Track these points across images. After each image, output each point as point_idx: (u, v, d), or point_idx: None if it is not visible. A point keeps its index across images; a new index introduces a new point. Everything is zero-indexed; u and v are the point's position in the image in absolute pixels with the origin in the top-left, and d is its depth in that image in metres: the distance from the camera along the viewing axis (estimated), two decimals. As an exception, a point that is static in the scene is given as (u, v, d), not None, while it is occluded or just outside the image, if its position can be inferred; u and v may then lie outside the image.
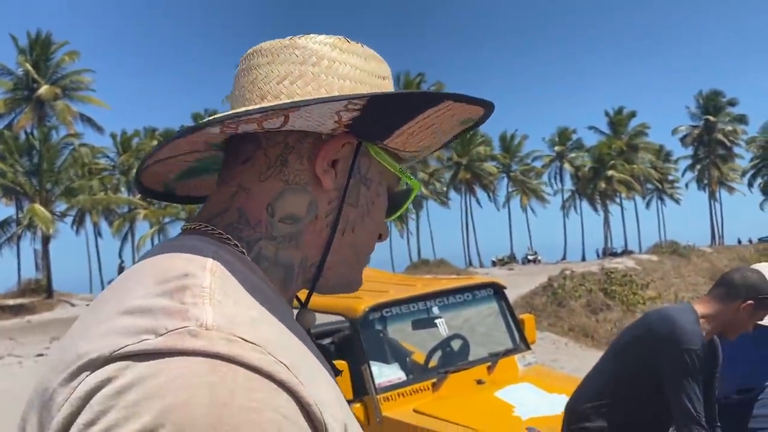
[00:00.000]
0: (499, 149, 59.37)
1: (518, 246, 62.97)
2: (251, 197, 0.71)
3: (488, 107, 0.76)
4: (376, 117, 0.70)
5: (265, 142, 0.71)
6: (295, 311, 0.76)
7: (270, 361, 0.52)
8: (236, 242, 0.68)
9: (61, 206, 30.71)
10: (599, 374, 2.75)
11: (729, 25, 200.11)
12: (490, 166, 57.26)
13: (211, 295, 0.56)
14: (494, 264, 49.69)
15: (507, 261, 51.20)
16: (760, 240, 52.49)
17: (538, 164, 62.79)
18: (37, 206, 27.34)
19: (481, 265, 50.22)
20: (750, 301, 2.46)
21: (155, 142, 44.57)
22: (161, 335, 0.52)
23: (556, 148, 61.42)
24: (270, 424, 0.50)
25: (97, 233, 47.33)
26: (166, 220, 39.80)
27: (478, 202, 59.66)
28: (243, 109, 0.63)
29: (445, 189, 55.60)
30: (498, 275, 23.16)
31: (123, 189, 43.77)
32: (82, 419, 0.50)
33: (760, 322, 2.68)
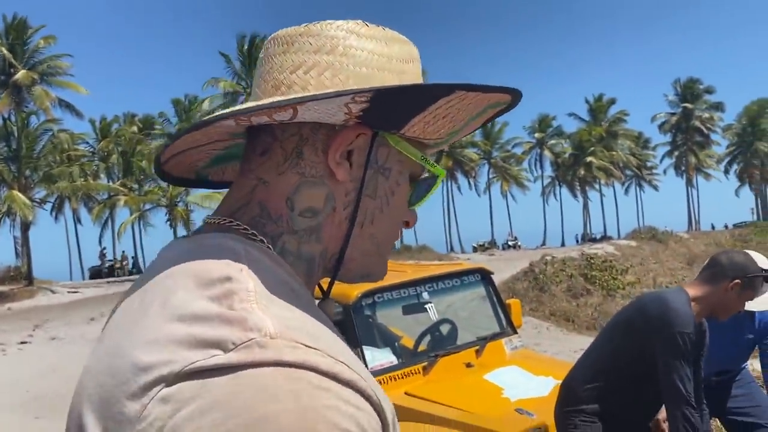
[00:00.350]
0: (480, 136, 59.47)
1: (498, 232, 63.30)
2: (271, 191, 0.71)
3: (508, 92, 0.74)
4: (386, 108, 0.68)
5: (281, 134, 0.71)
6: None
7: (332, 363, 0.54)
8: (262, 238, 0.69)
9: (40, 193, 30.33)
10: (594, 355, 2.83)
11: (707, 13, 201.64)
12: (471, 152, 57.42)
13: (257, 300, 0.57)
14: (475, 250, 49.92)
15: (488, 247, 51.46)
16: (735, 226, 53.35)
17: (518, 151, 63.05)
18: (16, 193, 26.94)
19: (463, 251, 50.44)
20: (737, 281, 2.55)
21: (135, 128, 43.96)
22: (230, 350, 0.52)
23: (537, 135, 61.70)
24: (350, 418, 0.52)
25: (77, 220, 46.89)
26: (147, 206, 39.24)
27: (459, 189, 59.95)
28: (245, 105, 0.64)
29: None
30: (479, 261, 23.33)
31: (102, 175, 43.24)
32: None
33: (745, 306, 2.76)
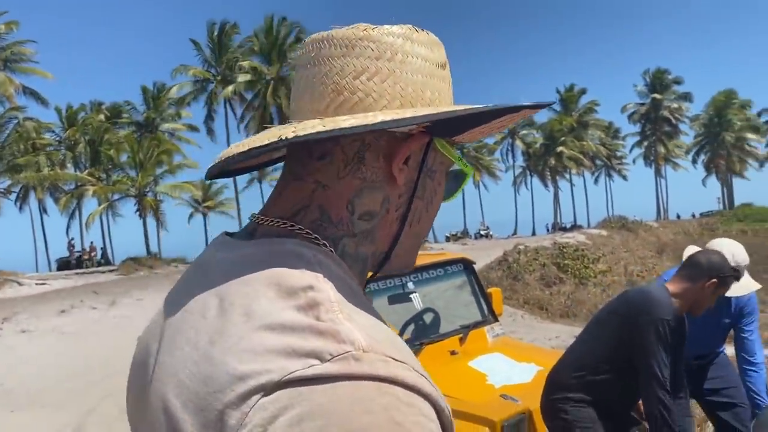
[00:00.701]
0: (452, 126, 59.58)
1: (471, 221, 63.79)
2: (331, 195, 0.72)
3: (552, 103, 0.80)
4: (454, 122, 0.73)
5: (343, 139, 0.72)
6: None
7: (416, 377, 0.57)
8: (324, 242, 0.70)
9: (4, 183, 29.69)
10: (580, 347, 2.93)
11: (676, 5, 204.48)
12: (443, 142, 57.62)
13: (341, 310, 0.59)
14: (448, 239, 50.26)
15: (460, 236, 51.86)
16: (703, 215, 54.59)
17: (490, 141, 63.48)
18: (-20, 183, 26.36)
19: (435, 240, 50.71)
20: (714, 280, 2.72)
21: (102, 117, 43.14)
22: (327, 361, 0.54)
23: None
24: None
25: (42, 210, 45.93)
26: (116, 196, 38.63)
27: (432, 179, 60.16)
28: (346, 125, 0.65)
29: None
30: (452, 250, 23.47)
31: (69, 165, 42.43)
32: None
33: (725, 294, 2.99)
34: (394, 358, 0.56)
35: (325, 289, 0.61)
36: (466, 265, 4.79)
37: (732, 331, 3.53)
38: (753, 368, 3.40)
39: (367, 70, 0.71)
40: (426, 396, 0.56)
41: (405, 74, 0.72)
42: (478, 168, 60.79)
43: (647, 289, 2.79)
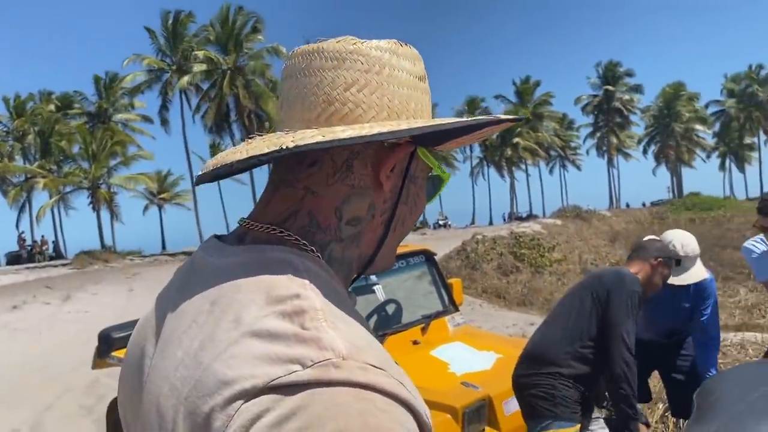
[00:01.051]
0: (410, 117, 59.65)
1: (429, 211, 64.15)
2: (320, 201, 0.74)
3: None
4: (439, 133, 0.77)
5: (333, 148, 0.73)
6: None
7: (394, 384, 0.59)
8: (312, 248, 0.73)
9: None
10: (563, 325, 3.03)
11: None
12: (402, 133, 57.68)
13: (326, 318, 0.62)
14: (407, 230, 50.36)
15: (419, 226, 52.13)
16: (653, 204, 56.13)
17: (448, 131, 63.69)
18: (-77, 175, 25.37)
19: (394, 231, 50.77)
20: (660, 259, 3.14)
21: (52, 107, 41.87)
22: (308, 367, 0.57)
23: (465, 117, 62.47)
24: None
25: (-10, 203, 44.48)
26: (67, 189, 37.64)
27: (391, 169, 60.29)
28: (345, 135, 0.68)
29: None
30: (411, 240, 23.61)
31: (18, 156, 41.12)
32: None
33: (674, 283, 3.39)
34: (373, 366, 0.59)
35: (311, 297, 0.64)
36: (428, 257, 4.86)
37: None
38: (704, 346, 3.75)
39: (357, 83, 0.74)
40: (403, 402, 0.58)
41: (392, 87, 0.76)
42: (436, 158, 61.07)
43: (617, 268, 3.22)
